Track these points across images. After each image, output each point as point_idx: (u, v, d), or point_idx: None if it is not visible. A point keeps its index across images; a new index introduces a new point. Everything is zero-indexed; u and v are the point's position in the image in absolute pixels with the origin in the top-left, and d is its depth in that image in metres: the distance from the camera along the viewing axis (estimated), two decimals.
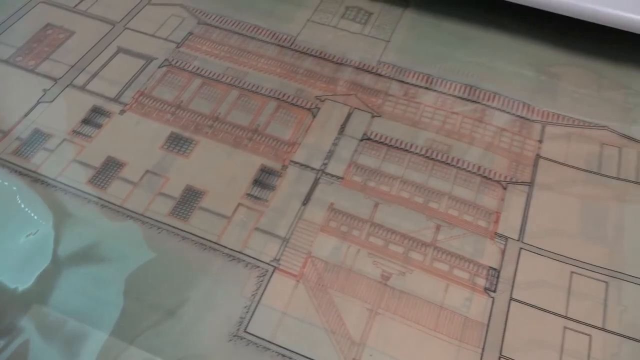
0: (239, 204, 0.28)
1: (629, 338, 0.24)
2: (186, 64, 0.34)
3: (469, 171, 0.29)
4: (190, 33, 0.35)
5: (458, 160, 0.29)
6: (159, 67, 0.33)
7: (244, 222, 0.27)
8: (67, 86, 0.32)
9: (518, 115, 0.31)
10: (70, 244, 0.26)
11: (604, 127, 0.31)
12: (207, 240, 0.26)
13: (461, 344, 0.23)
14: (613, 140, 0.31)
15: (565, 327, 0.24)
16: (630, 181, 0.29)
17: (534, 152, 0.30)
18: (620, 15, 0.31)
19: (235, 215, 0.27)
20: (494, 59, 0.34)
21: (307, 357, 0.23)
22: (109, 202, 0.28)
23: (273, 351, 0.23)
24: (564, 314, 0.24)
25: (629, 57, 0.34)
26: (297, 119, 0.31)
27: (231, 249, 0.26)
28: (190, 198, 0.28)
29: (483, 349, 0.23)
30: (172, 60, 0.34)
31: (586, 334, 0.24)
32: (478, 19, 0.36)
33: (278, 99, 0.32)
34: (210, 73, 0.33)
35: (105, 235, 0.27)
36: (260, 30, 0.36)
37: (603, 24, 0.32)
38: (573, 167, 0.29)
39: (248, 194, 0.28)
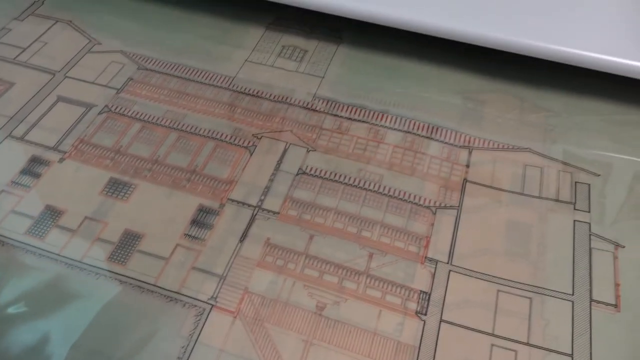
0: (177, 245, 0.28)
1: (552, 351, 0.25)
2: (126, 109, 0.34)
3: (400, 199, 0.30)
4: (130, 78, 0.36)
5: (389, 188, 0.31)
6: (99, 113, 0.34)
7: (181, 263, 0.27)
8: (6, 137, 0.33)
9: (446, 142, 0.33)
10: (7, 295, 0.26)
11: (526, 148, 0.33)
12: (145, 282, 0.27)
13: None
14: (535, 161, 0.32)
15: (492, 345, 0.25)
16: (550, 199, 0.30)
17: (462, 176, 0.32)
18: (544, 47, 0.33)
19: (173, 256, 0.28)
20: (423, 89, 0.36)
21: None
22: (47, 251, 0.28)
23: None
24: (491, 332, 0.26)
25: (548, 81, 0.37)
26: (234, 158, 0.32)
27: (169, 290, 0.26)
28: (128, 242, 0.28)
29: None
30: (112, 106, 0.35)
31: (512, 350, 0.25)
32: (408, 51, 0.38)
33: (216, 139, 0.33)
34: (149, 117, 0.34)
35: (43, 284, 0.27)
36: (199, 73, 0.37)
37: (529, 55, 0.34)
38: (498, 188, 0.31)
39: (186, 234, 0.29)
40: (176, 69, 0.37)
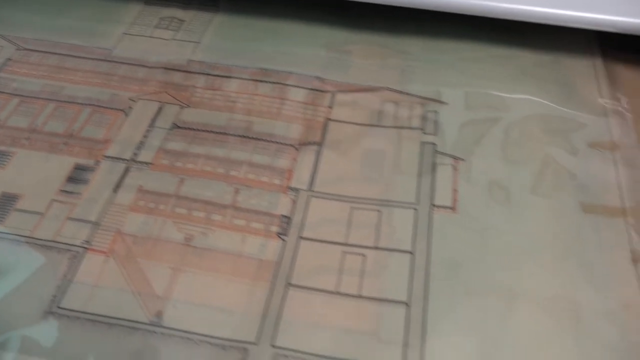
0: (53, 200, 0.30)
1: (395, 250, 0.28)
2: (4, 87, 0.36)
3: (266, 140, 0.33)
4: (9, 59, 0.37)
5: (257, 133, 0.33)
6: None
7: (56, 215, 0.29)
8: None
9: (311, 89, 0.36)
10: None
11: (384, 87, 0.36)
12: (21, 235, 0.28)
13: (255, 281, 0.27)
14: (392, 97, 0.36)
15: (344, 252, 0.28)
16: (403, 127, 0.34)
17: (325, 117, 0.34)
18: None
19: (49, 210, 0.29)
20: (292, 46, 0.39)
21: (114, 317, 0.25)
22: None
23: (83, 319, 0.25)
24: (344, 242, 0.28)
25: (409, 28, 0.40)
26: (111, 121, 0.34)
27: (44, 240, 0.28)
28: (5, 203, 0.30)
29: (274, 282, 0.27)
30: None
31: (362, 255, 0.28)
32: (280, 13, 0.41)
33: (92, 105, 0.35)
34: (27, 92, 0.35)
35: None
36: (77, 48, 0.38)
37: (390, 4, 0.37)
38: (358, 123, 0.34)
39: (62, 190, 0.30)
40: (55, 47, 0.38)
